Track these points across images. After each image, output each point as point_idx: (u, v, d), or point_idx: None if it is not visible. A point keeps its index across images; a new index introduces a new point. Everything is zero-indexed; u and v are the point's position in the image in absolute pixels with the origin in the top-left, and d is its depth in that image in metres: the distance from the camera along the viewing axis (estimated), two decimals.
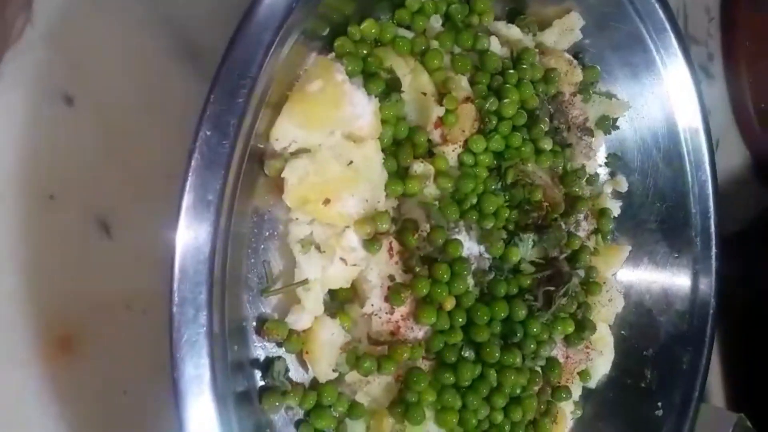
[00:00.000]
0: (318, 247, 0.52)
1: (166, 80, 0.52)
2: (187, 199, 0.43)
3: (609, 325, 0.69)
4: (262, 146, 0.50)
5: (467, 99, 0.57)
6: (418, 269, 0.54)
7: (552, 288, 0.60)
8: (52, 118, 0.50)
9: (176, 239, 0.43)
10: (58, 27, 0.50)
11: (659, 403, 0.69)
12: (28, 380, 0.48)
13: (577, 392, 0.67)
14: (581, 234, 0.66)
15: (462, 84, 0.57)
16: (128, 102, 0.52)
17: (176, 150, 0.44)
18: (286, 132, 0.49)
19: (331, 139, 0.51)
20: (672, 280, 0.71)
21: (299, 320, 0.51)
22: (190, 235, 0.43)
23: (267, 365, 0.52)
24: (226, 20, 0.45)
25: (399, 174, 0.55)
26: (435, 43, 0.57)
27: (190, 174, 0.43)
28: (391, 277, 0.54)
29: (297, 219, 0.52)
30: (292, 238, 0.52)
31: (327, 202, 0.50)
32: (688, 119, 0.69)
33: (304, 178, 0.50)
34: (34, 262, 0.49)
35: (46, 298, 0.49)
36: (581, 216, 0.66)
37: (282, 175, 0.49)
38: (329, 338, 0.52)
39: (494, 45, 0.60)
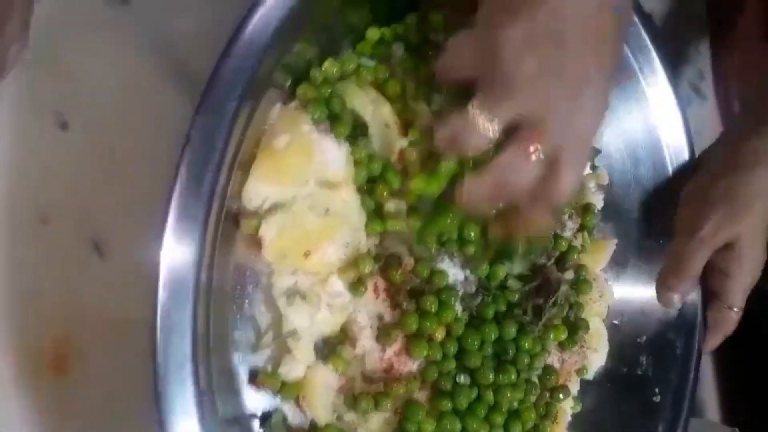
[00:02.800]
0: (303, 297, 0.52)
1: (161, 104, 0.53)
2: (164, 262, 0.43)
3: (602, 319, 0.70)
4: (236, 207, 0.49)
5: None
6: (405, 305, 0.54)
7: (540, 300, 0.61)
8: (47, 142, 0.50)
9: (157, 305, 0.43)
10: (53, 51, 0.51)
11: (656, 389, 0.70)
12: (21, 400, 0.49)
13: (574, 388, 0.68)
14: (567, 234, 0.66)
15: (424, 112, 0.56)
16: (123, 125, 0.52)
17: (170, 173, 0.44)
18: (258, 191, 0.49)
19: (304, 190, 0.50)
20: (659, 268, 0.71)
21: (292, 370, 0.52)
22: (171, 301, 0.43)
23: (264, 416, 0.52)
24: (220, 43, 0.45)
25: (377, 212, 0.54)
26: (399, 71, 0.56)
27: (165, 234, 0.43)
28: (380, 316, 0.54)
29: (279, 271, 0.51)
30: (276, 291, 0.52)
31: (307, 254, 0.50)
32: (672, 137, 0.69)
33: (281, 233, 0.49)
34: (27, 284, 0.49)
35: (39, 320, 0.49)
36: (566, 216, 0.66)
37: (259, 234, 0.49)
38: (324, 382, 0.53)
39: None
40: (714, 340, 0.67)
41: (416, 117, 0.55)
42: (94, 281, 0.51)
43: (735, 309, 0.64)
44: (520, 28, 0.42)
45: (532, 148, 0.43)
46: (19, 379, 0.49)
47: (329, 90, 0.52)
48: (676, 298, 0.64)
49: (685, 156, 0.68)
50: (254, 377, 0.52)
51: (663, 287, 0.64)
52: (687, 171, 0.68)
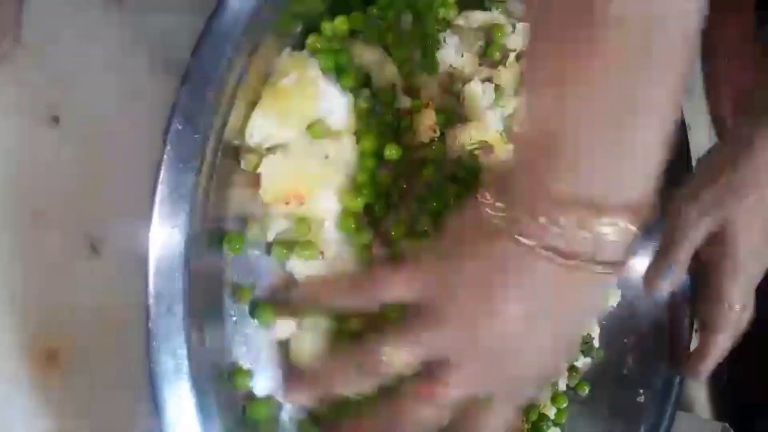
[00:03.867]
0: (297, 243, 0.52)
1: (153, 98, 0.53)
2: (160, 192, 0.44)
3: None
4: (238, 142, 0.50)
5: (429, 103, 0.58)
6: None
7: None
8: (39, 138, 0.50)
9: (150, 233, 0.43)
10: (45, 47, 0.51)
11: (640, 390, 0.70)
12: (14, 395, 0.48)
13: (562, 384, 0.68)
14: None
15: (431, 85, 0.58)
16: (115, 120, 0.53)
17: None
18: (260, 127, 0.50)
19: (306, 135, 0.51)
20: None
21: (282, 327, 0.52)
22: (165, 229, 0.43)
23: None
24: None
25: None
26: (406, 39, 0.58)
27: (162, 167, 0.44)
28: None
29: (274, 215, 0.52)
30: (270, 234, 0.52)
31: (303, 197, 0.51)
32: None
33: (279, 173, 0.50)
34: (20, 281, 0.49)
35: (33, 317, 0.49)
36: None
37: (258, 171, 0.50)
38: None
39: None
40: (712, 342, 0.64)
41: (421, 84, 0.57)
42: (89, 278, 0.51)
43: (735, 307, 0.62)
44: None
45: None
46: (13, 375, 0.48)
47: (337, 45, 0.54)
48: (662, 284, 0.63)
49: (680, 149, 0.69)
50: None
51: (650, 272, 0.64)
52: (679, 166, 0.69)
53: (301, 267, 0.52)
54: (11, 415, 0.48)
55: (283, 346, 0.52)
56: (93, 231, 0.51)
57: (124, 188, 0.52)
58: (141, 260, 0.44)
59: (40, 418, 0.49)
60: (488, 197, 0.40)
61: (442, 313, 0.40)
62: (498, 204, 0.39)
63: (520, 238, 0.38)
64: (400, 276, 0.42)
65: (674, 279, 0.62)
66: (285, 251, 0.51)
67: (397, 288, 0.42)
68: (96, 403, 0.50)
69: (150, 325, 0.42)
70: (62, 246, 0.50)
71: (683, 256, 0.61)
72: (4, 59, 0.48)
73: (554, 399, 0.65)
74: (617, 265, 0.39)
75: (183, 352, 0.43)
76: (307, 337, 0.52)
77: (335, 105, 0.52)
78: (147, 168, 0.47)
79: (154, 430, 0.44)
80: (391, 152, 0.54)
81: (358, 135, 0.54)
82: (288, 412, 0.52)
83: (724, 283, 0.62)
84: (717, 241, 0.61)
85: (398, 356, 0.40)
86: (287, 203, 0.51)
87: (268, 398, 0.51)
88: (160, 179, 0.43)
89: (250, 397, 0.50)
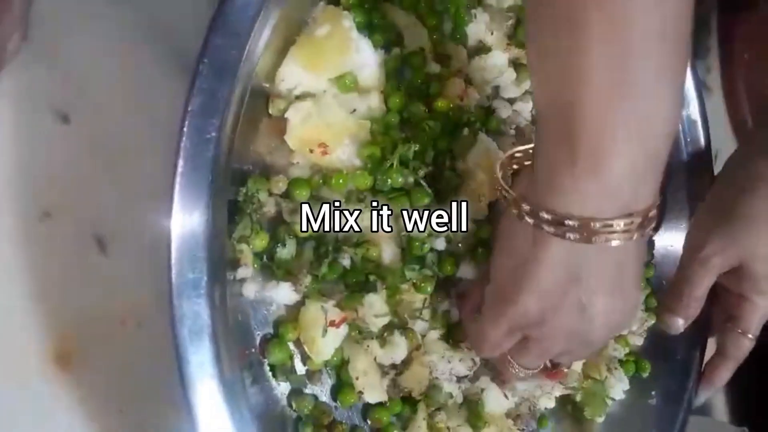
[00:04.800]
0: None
1: (163, 97, 0.53)
2: (185, 144, 0.44)
3: None
4: (267, 86, 0.51)
5: (459, 72, 0.58)
6: None
7: None
8: (48, 136, 0.50)
9: (175, 183, 0.44)
10: (54, 44, 0.51)
11: (653, 392, 0.68)
12: (25, 396, 0.48)
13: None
14: None
15: (461, 55, 0.58)
16: (124, 118, 0.53)
17: (172, 166, 0.45)
18: (292, 73, 0.50)
19: (335, 86, 0.51)
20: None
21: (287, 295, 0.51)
22: (186, 215, 0.44)
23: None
24: None
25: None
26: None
27: (188, 112, 0.44)
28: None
29: (297, 163, 0.52)
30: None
31: (327, 146, 0.51)
32: (690, 131, 0.70)
33: (306, 121, 0.50)
34: (30, 280, 0.49)
35: (42, 316, 0.49)
36: None
37: (285, 115, 0.50)
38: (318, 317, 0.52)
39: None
40: (724, 368, 0.64)
41: (451, 52, 0.58)
42: (97, 277, 0.51)
43: (749, 335, 0.61)
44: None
45: None
46: (23, 375, 0.48)
47: (370, 4, 0.54)
48: (679, 323, 0.62)
49: (701, 146, 0.69)
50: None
51: (665, 310, 0.62)
52: (699, 170, 0.69)
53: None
54: (19, 417, 0.48)
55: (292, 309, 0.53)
56: (101, 230, 0.51)
57: (134, 187, 0.52)
58: (149, 260, 0.45)
59: (46, 418, 0.49)
60: (524, 205, 0.44)
61: (544, 332, 0.47)
62: (529, 211, 0.44)
63: (569, 235, 0.42)
64: (497, 332, 0.49)
65: (689, 316, 0.61)
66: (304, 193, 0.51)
67: (505, 341, 0.50)
68: (103, 403, 0.50)
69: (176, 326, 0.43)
70: (71, 246, 0.50)
71: (698, 293, 0.59)
72: (12, 57, 0.48)
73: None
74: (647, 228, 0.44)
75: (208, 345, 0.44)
76: (313, 307, 0.52)
77: (366, 60, 0.52)
78: (155, 166, 0.48)
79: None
80: (417, 110, 0.54)
81: (386, 93, 0.54)
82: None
83: (742, 313, 0.61)
84: (735, 272, 0.59)
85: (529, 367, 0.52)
86: (311, 151, 0.50)
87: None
88: (185, 128, 0.44)
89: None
